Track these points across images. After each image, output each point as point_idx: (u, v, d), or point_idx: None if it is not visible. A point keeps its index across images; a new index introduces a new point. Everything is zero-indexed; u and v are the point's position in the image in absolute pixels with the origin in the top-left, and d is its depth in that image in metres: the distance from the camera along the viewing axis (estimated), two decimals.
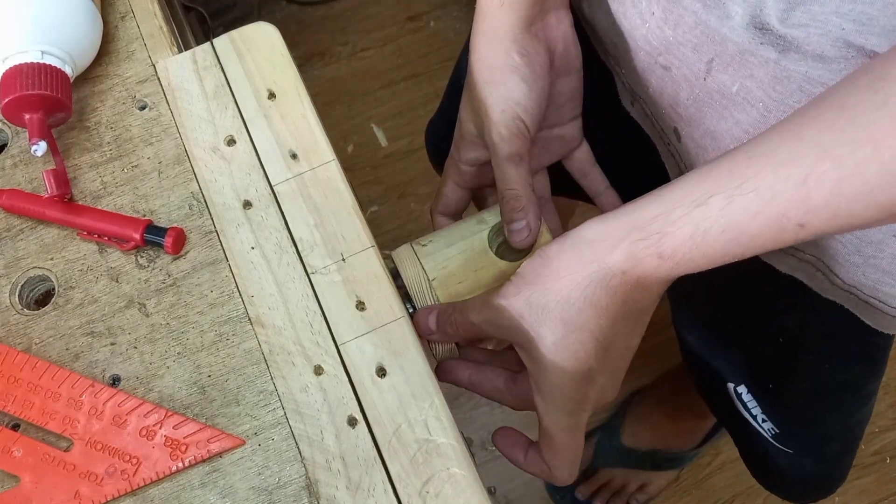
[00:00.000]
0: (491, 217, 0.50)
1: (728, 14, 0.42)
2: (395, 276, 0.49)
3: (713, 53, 0.44)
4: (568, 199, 0.69)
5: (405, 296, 0.48)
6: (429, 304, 0.48)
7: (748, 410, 0.62)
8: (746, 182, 0.33)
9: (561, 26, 0.51)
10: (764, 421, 0.62)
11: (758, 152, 0.34)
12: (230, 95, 0.52)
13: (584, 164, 0.57)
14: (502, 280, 0.47)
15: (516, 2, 0.49)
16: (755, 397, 0.62)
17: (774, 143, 0.33)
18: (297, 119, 0.51)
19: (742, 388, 0.62)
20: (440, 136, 0.76)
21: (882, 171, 0.30)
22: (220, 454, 0.44)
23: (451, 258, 0.48)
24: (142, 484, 0.43)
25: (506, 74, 0.48)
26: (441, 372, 0.49)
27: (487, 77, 0.49)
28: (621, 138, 0.60)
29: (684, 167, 0.53)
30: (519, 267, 0.42)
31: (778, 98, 0.42)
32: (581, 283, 0.38)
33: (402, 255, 0.49)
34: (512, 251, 0.50)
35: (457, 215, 0.57)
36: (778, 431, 0.62)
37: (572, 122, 0.55)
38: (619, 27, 0.51)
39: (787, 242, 0.34)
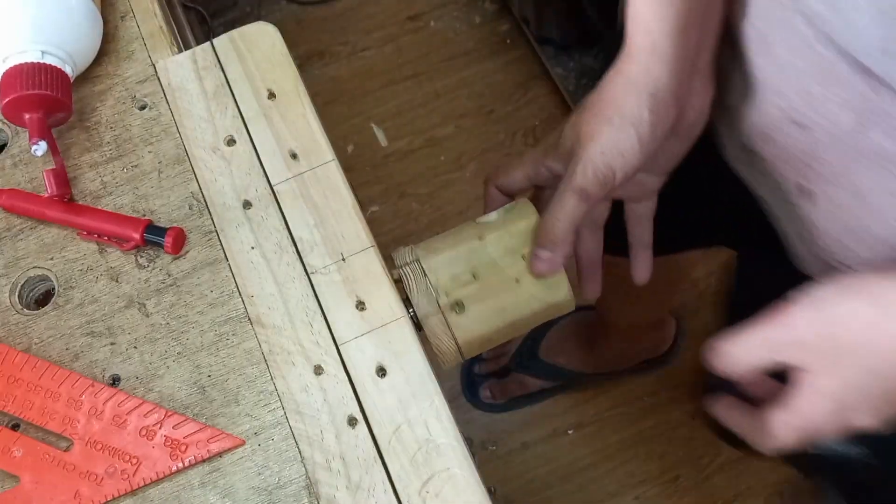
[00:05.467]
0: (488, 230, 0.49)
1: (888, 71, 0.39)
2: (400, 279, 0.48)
3: (867, 111, 0.41)
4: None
5: (405, 300, 0.48)
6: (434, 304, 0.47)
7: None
8: None
9: (701, 97, 0.49)
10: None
11: None
12: (230, 95, 0.52)
13: (644, 213, 0.55)
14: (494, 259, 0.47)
15: (668, 53, 0.45)
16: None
17: None
18: (297, 119, 0.51)
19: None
20: None
21: None
22: (220, 454, 0.44)
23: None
24: (142, 484, 0.43)
25: (626, 124, 0.46)
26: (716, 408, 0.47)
27: (608, 114, 0.46)
28: (712, 189, 0.58)
29: (811, 225, 0.50)
30: None
31: None
32: None
33: (412, 283, 0.48)
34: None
35: (509, 197, 0.55)
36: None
37: (660, 177, 0.53)
38: (750, 78, 0.48)
39: None
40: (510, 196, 0.54)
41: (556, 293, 0.47)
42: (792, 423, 0.41)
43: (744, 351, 0.41)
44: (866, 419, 0.39)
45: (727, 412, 0.46)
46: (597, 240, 0.55)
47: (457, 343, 0.47)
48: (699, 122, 0.50)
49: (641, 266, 0.56)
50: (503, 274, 0.47)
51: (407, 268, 0.47)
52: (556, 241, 0.46)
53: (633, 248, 0.56)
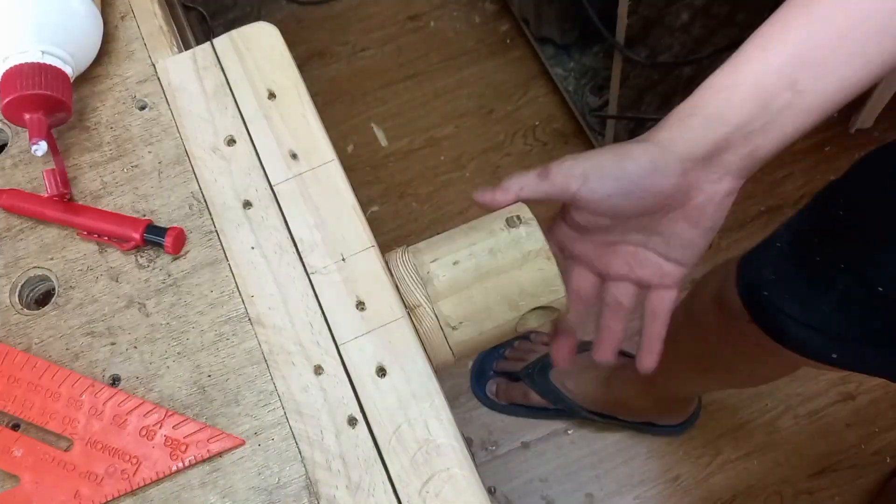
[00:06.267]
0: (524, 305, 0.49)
1: None
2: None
3: None
4: None
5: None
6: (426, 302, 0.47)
7: None
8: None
9: (715, 187, 0.48)
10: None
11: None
12: (230, 95, 0.52)
13: (660, 306, 0.54)
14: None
15: (700, 136, 0.45)
16: None
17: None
18: (297, 119, 0.51)
19: None
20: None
21: None
22: (220, 454, 0.44)
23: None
24: (142, 484, 0.43)
25: (617, 149, 0.47)
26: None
27: (628, 144, 0.48)
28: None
29: None
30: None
31: None
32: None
33: (400, 269, 0.49)
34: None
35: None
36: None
37: (676, 265, 0.52)
38: None
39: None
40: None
41: (551, 295, 0.47)
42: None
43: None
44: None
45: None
46: (590, 281, 0.55)
47: (439, 320, 0.47)
48: (710, 212, 0.49)
49: (649, 355, 0.55)
50: (499, 268, 0.47)
51: (399, 261, 0.48)
52: (502, 186, 0.49)
53: (644, 337, 0.55)
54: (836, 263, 0.62)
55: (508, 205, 0.49)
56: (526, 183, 0.49)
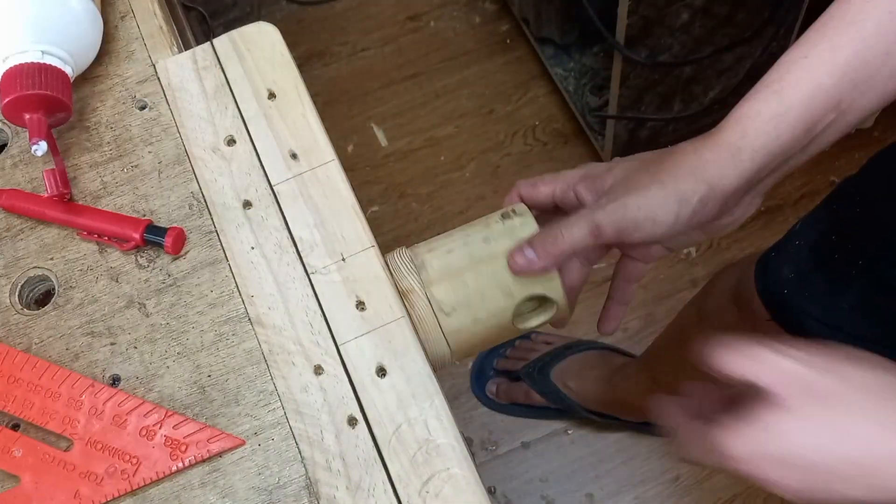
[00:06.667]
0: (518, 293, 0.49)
1: None
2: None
3: None
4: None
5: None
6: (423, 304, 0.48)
7: None
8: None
9: (743, 210, 0.48)
10: None
11: None
12: (230, 95, 0.52)
13: (634, 274, 0.55)
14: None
15: (746, 167, 0.44)
16: None
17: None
18: (297, 119, 0.51)
19: None
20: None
21: None
22: (220, 454, 0.44)
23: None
24: (142, 484, 0.43)
25: (674, 198, 0.45)
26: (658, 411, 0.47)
27: (663, 179, 0.46)
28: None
29: None
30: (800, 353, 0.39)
31: None
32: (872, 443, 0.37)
33: (396, 260, 0.49)
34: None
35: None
36: None
37: (666, 250, 0.53)
38: None
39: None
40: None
41: (545, 282, 0.48)
42: (749, 435, 0.39)
43: (748, 357, 0.40)
44: (790, 488, 0.38)
45: (672, 411, 0.45)
46: (583, 274, 0.54)
47: (432, 306, 0.47)
48: (728, 228, 0.50)
49: (612, 319, 0.56)
50: (492, 255, 0.48)
51: (396, 255, 0.48)
52: (549, 254, 0.46)
53: (610, 300, 0.56)
54: (855, 262, 0.62)
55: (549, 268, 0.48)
56: (577, 241, 0.46)
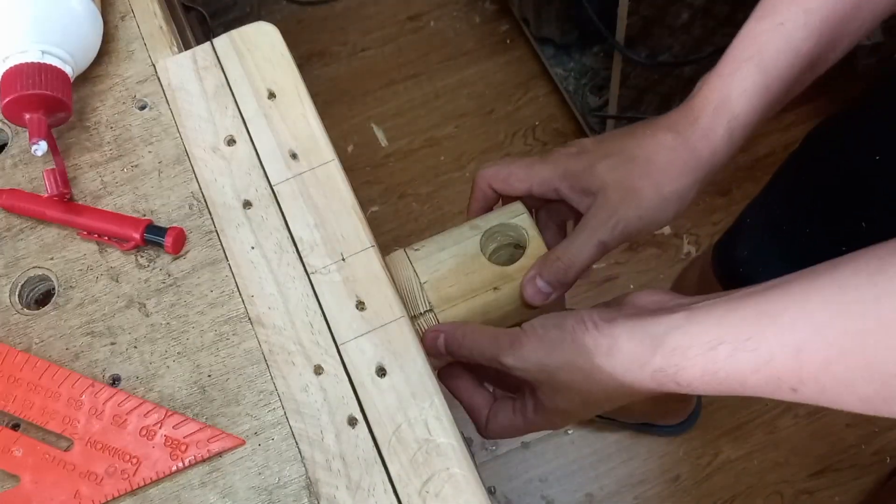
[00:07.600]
0: (483, 223, 0.50)
1: None
2: None
3: None
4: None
5: None
6: (420, 308, 0.48)
7: None
8: (751, 339, 0.35)
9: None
10: None
11: (767, 310, 0.35)
12: (230, 95, 0.52)
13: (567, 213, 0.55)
14: (493, 283, 0.48)
15: (738, 143, 0.46)
16: None
17: (782, 304, 0.35)
18: (297, 119, 0.51)
19: None
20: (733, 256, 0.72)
21: (864, 366, 0.31)
22: (220, 454, 0.44)
23: (443, 262, 0.49)
24: (142, 484, 0.43)
25: (674, 199, 0.46)
26: (446, 377, 0.50)
27: (659, 181, 0.46)
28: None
29: None
30: (533, 319, 0.44)
31: None
32: (609, 390, 0.42)
33: (395, 259, 0.50)
34: (504, 256, 0.50)
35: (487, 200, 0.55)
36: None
37: None
38: None
39: (785, 399, 0.36)
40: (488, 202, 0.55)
41: (511, 214, 0.51)
42: (516, 423, 0.47)
43: (476, 356, 0.45)
44: (570, 423, 0.44)
45: (461, 385, 0.50)
46: (558, 239, 0.55)
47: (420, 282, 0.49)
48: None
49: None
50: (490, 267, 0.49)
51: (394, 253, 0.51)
52: (566, 283, 0.47)
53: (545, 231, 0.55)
54: (804, 230, 0.64)
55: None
56: (586, 264, 0.47)
